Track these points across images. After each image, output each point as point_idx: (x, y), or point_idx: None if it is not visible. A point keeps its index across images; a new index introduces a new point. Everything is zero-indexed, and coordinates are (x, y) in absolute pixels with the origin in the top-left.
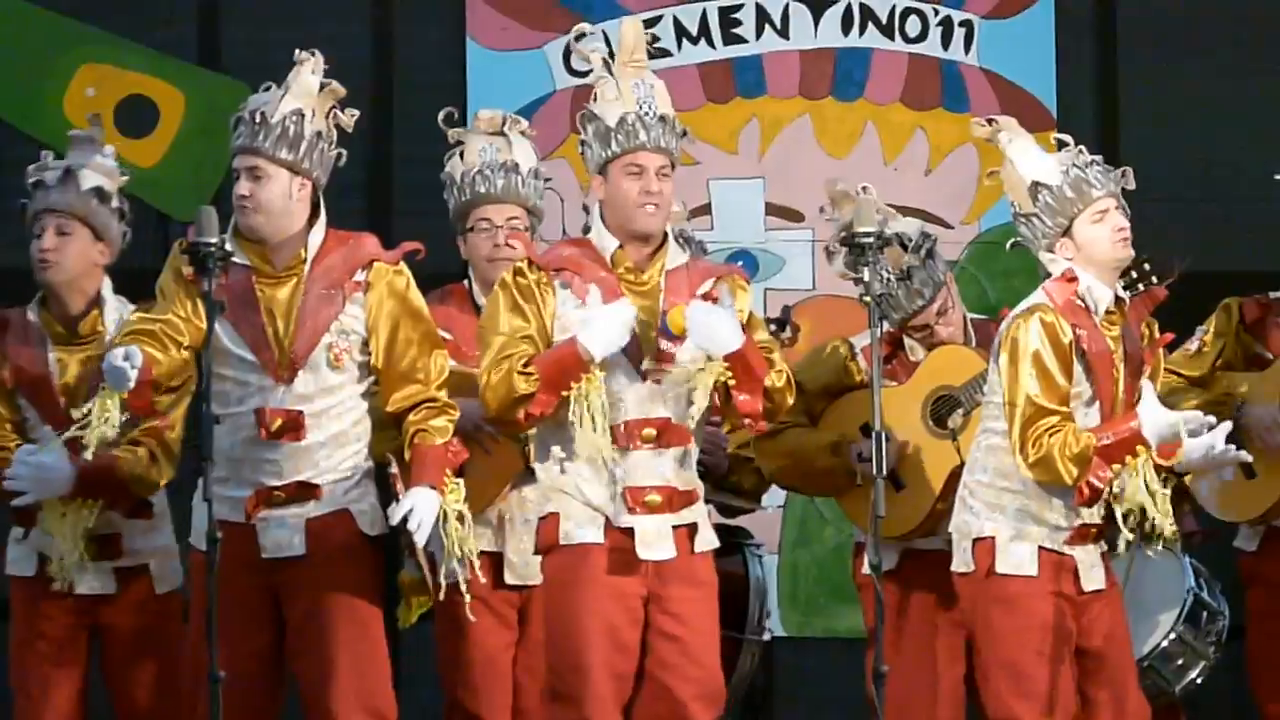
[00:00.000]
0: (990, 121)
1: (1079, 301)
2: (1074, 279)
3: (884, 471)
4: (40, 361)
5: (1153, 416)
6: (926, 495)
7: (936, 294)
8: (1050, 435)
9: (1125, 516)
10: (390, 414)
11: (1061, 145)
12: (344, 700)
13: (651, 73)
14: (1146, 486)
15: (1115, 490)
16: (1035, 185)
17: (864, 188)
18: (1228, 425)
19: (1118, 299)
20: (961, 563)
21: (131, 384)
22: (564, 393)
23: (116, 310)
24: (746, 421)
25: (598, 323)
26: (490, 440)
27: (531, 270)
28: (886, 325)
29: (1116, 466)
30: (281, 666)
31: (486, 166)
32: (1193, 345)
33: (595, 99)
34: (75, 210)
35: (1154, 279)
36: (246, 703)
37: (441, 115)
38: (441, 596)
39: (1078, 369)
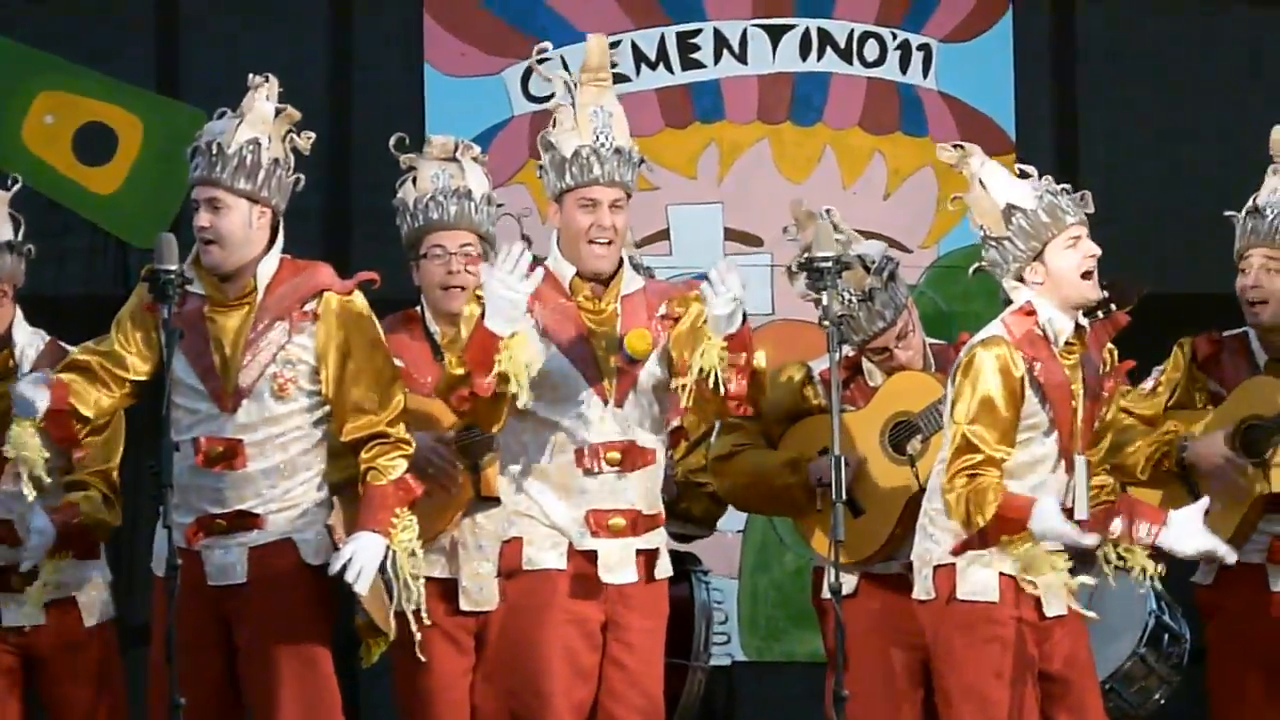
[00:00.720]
0: (958, 146)
1: (1038, 332)
2: (1032, 312)
3: (843, 495)
4: None
5: (1043, 513)
6: (885, 521)
7: (898, 317)
8: (969, 475)
9: (1106, 558)
10: (346, 443)
11: (1024, 175)
12: None
13: (614, 95)
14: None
15: (1019, 556)
16: (1010, 208)
17: (827, 210)
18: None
19: (1078, 327)
20: (923, 590)
21: (39, 413)
22: (494, 368)
23: (31, 341)
24: (733, 405)
25: (490, 298)
26: (445, 473)
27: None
28: (846, 348)
29: (1005, 538)
30: (238, 691)
31: (439, 193)
32: (1148, 385)
33: (554, 125)
34: None
35: (1114, 306)
36: None
37: (393, 141)
38: (393, 636)
39: (1034, 399)
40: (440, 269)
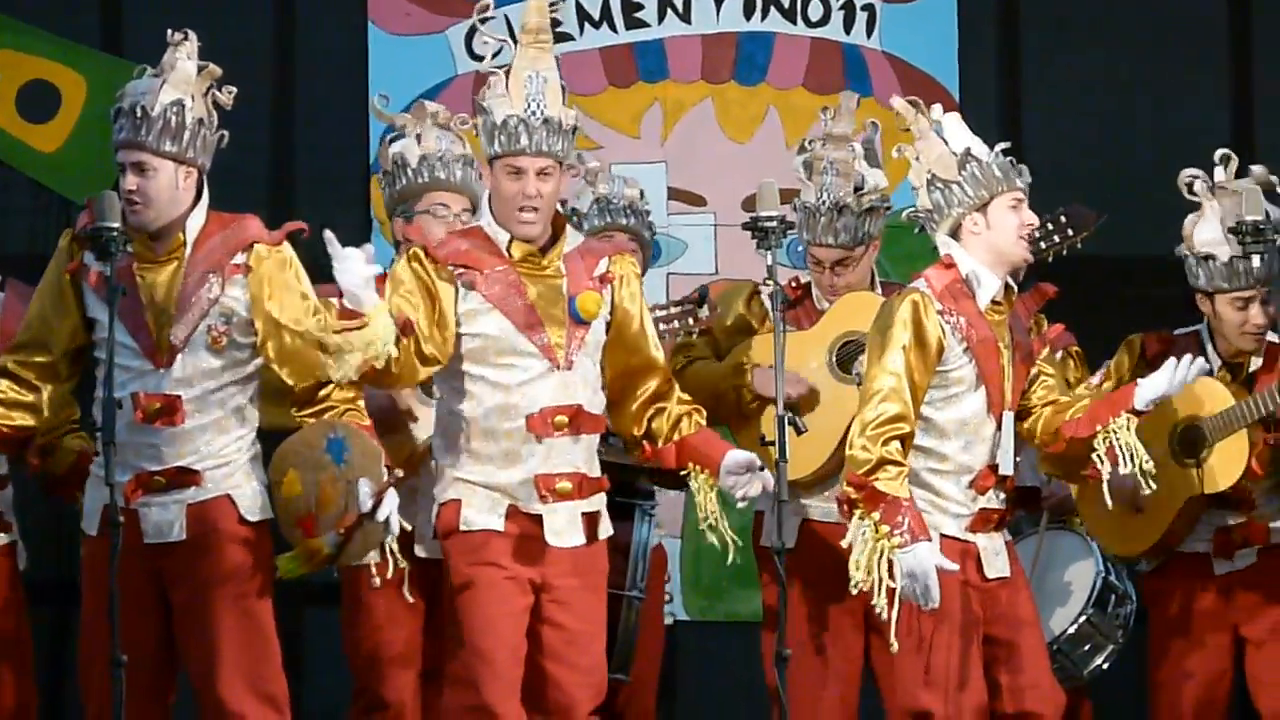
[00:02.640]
0: (913, 103)
1: (961, 285)
2: (952, 265)
3: (786, 457)
4: None
5: (920, 553)
6: (828, 439)
7: (850, 245)
8: (883, 442)
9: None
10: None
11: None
12: (232, 686)
13: (553, 58)
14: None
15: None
16: (968, 154)
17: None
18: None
19: (1007, 288)
20: None
21: None
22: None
23: None
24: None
25: (343, 284)
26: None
27: (428, 261)
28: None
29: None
30: (173, 649)
31: (446, 154)
32: (1096, 379)
33: (489, 87)
34: None
35: (1070, 231)
36: (139, 687)
37: (376, 98)
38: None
39: (956, 350)
40: (440, 226)
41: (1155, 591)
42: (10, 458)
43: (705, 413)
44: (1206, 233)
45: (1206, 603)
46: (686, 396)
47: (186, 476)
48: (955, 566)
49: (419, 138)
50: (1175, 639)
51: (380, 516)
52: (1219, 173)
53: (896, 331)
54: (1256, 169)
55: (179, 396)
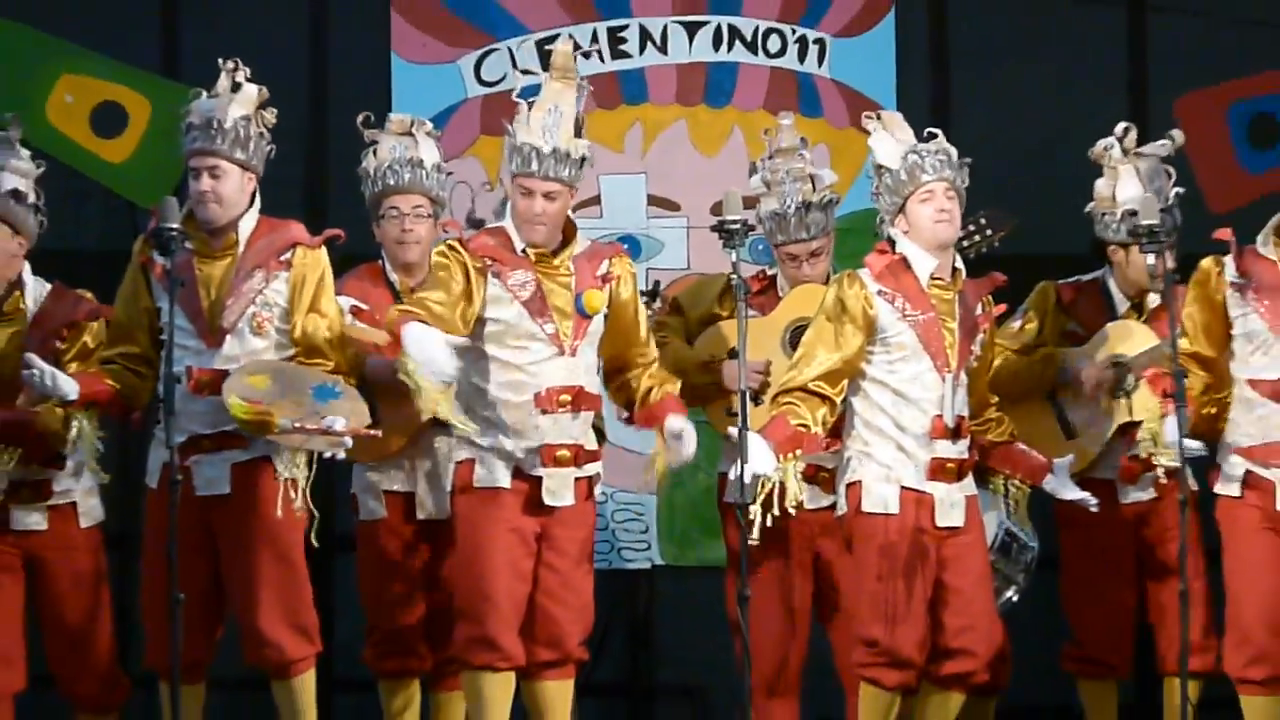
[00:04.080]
0: (878, 116)
1: (901, 264)
2: (885, 250)
3: (748, 427)
4: None
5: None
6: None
7: (819, 235)
8: (783, 403)
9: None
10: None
11: (931, 136)
12: (271, 619)
13: (574, 94)
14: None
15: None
16: (879, 168)
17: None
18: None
19: (955, 270)
20: (839, 506)
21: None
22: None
23: (34, 290)
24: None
25: (427, 368)
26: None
27: (463, 250)
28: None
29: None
30: (221, 589)
31: (395, 162)
32: (1015, 323)
33: (519, 113)
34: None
35: (989, 231)
36: (193, 621)
37: (360, 119)
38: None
39: (894, 321)
40: (395, 226)
41: (1068, 521)
42: (115, 419)
43: (678, 384)
44: (1129, 190)
45: (1112, 528)
46: (664, 373)
47: (232, 440)
48: (887, 510)
49: (376, 148)
50: (1084, 559)
51: (334, 430)
52: (1129, 137)
53: (820, 308)
54: (1150, 145)
55: (226, 371)
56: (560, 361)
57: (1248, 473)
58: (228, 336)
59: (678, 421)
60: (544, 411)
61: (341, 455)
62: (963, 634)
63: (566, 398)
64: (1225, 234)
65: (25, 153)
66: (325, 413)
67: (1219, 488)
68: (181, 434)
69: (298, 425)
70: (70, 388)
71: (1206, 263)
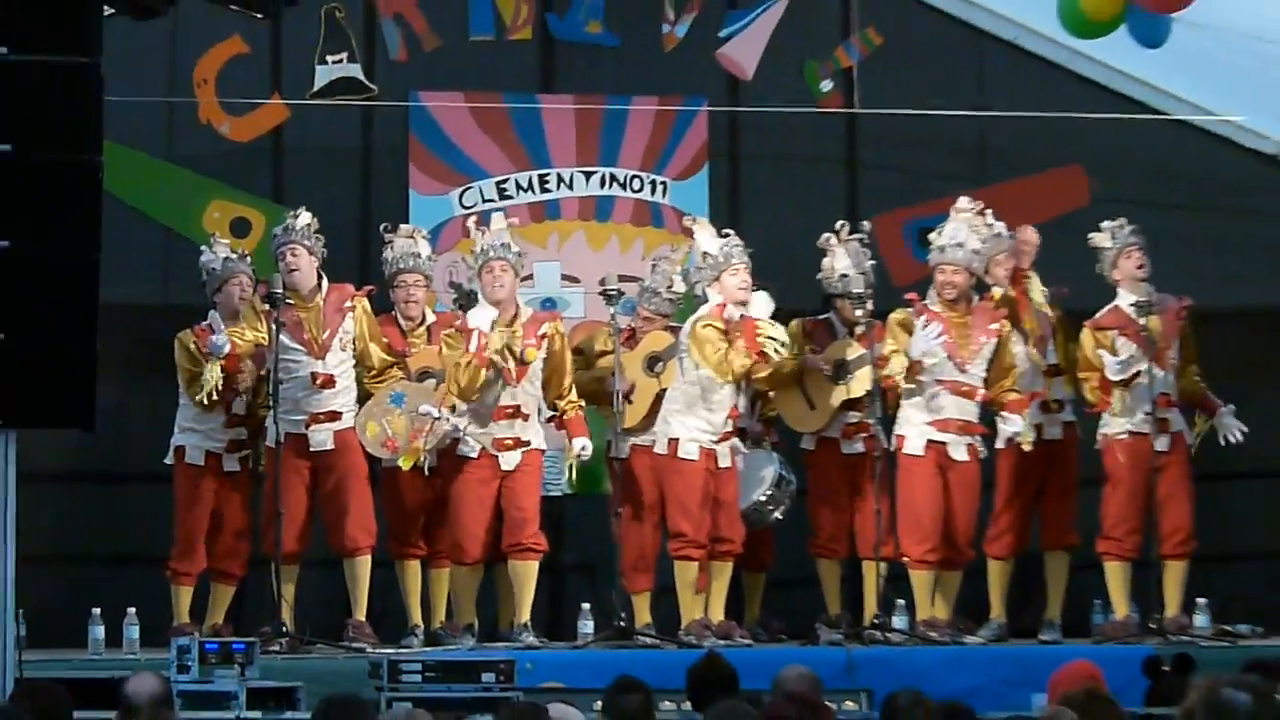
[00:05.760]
0: (696, 221)
1: (724, 314)
2: (718, 306)
3: (621, 411)
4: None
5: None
6: (641, 407)
7: (670, 309)
8: (723, 353)
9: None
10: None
11: (728, 234)
12: (349, 526)
13: (505, 229)
14: None
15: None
16: (704, 253)
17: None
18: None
19: (742, 316)
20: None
21: (225, 353)
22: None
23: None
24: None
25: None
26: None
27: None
28: (627, 320)
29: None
30: (313, 511)
31: (405, 254)
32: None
33: (477, 227)
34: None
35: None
36: (292, 529)
37: (381, 227)
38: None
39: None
40: (403, 294)
41: (812, 462)
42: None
43: (583, 403)
44: (842, 264)
45: (837, 470)
46: (575, 397)
47: (334, 416)
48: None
49: (391, 244)
50: (821, 490)
51: (442, 418)
52: (843, 231)
53: (699, 332)
54: (854, 235)
55: (332, 374)
56: (511, 389)
57: (926, 438)
58: (328, 353)
59: (580, 441)
60: (498, 419)
61: (438, 414)
62: (728, 526)
63: (511, 410)
64: (914, 297)
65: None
66: (412, 408)
67: (908, 445)
68: (304, 413)
69: (426, 437)
70: None
71: (896, 314)
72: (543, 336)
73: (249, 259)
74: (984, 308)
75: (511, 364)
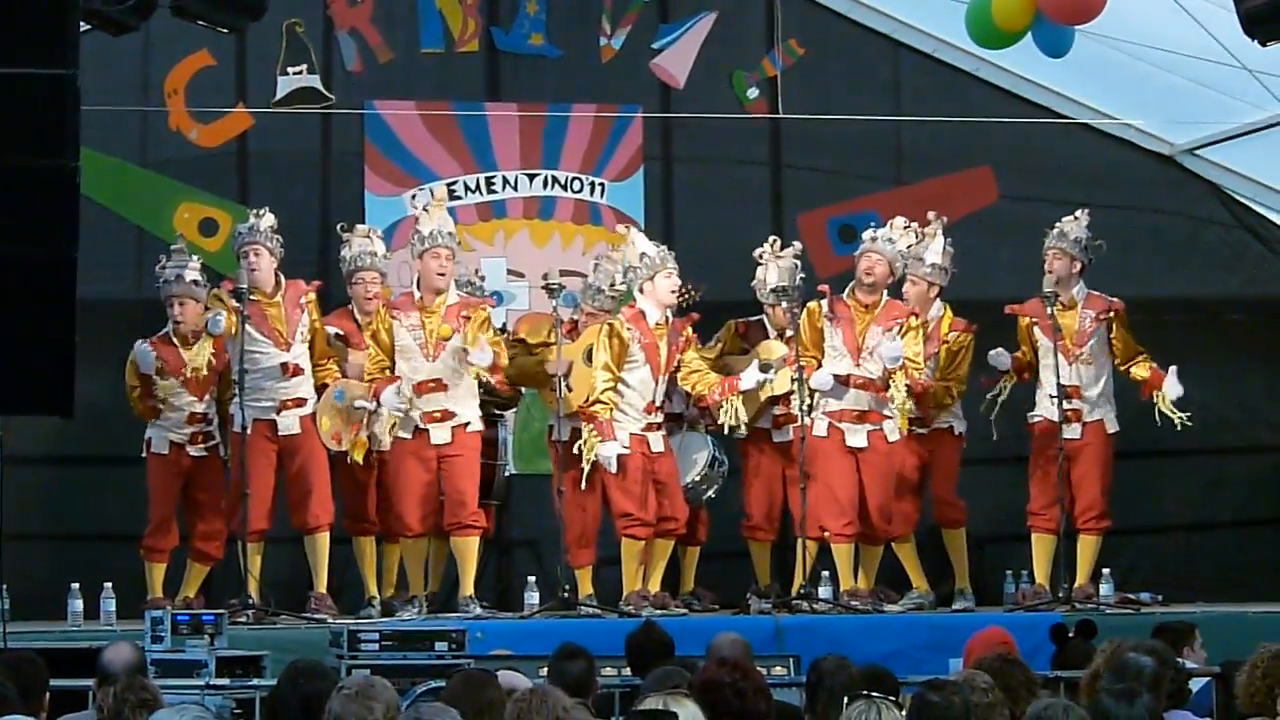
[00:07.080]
0: (630, 227)
1: (641, 317)
2: (633, 306)
3: (565, 396)
4: None
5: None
6: (580, 394)
7: (612, 305)
8: (599, 402)
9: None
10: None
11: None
12: (312, 505)
13: (449, 217)
14: None
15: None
16: (642, 255)
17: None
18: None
19: (667, 319)
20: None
21: (220, 332)
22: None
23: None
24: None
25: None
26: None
27: (387, 309)
28: (569, 313)
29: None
30: (278, 490)
31: (362, 252)
32: (710, 345)
33: (422, 215)
34: (187, 292)
35: (692, 290)
36: (258, 506)
37: (339, 226)
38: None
39: (635, 347)
40: (361, 290)
41: (746, 451)
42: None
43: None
44: (774, 277)
45: (768, 456)
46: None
47: (300, 402)
48: (625, 450)
49: (349, 244)
50: (752, 476)
51: (378, 408)
52: (775, 246)
53: (602, 337)
54: (787, 250)
55: (297, 363)
56: (428, 365)
57: (830, 424)
58: (291, 344)
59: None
60: (420, 394)
61: (372, 406)
62: (671, 508)
63: (432, 384)
64: (825, 289)
65: (195, 259)
66: (350, 403)
67: (815, 429)
68: (272, 399)
69: (353, 422)
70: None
71: (812, 304)
72: (465, 319)
73: (383, 254)
74: (892, 305)
75: (431, 347)
